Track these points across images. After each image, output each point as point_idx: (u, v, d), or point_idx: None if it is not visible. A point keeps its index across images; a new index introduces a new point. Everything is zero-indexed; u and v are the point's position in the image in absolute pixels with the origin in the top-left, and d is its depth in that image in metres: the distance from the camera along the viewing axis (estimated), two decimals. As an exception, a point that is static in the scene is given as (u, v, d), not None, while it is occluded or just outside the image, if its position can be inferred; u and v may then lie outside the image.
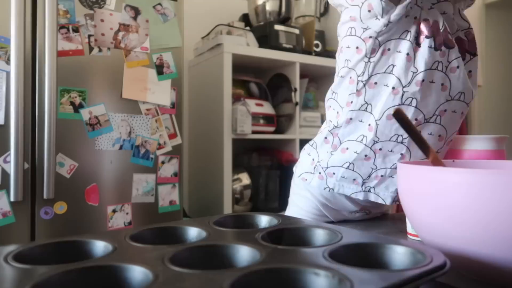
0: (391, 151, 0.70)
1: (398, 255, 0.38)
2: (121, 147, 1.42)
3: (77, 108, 1.34)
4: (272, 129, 2.11)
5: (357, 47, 0.71)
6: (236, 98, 1.99)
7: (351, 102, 0.72)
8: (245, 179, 2.06)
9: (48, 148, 1.26)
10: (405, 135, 0.68)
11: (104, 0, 1.39)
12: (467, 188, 0.38)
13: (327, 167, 0.74)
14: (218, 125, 1.97)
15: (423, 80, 0.66)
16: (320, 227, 0.47)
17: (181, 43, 1.56)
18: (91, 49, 1.36)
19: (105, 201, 1.39)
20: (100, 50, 1.38)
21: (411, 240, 0.59)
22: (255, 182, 2.06)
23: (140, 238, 0.44)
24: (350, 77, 0.72)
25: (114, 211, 1.41)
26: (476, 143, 0.71)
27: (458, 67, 0.68)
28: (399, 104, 0.68)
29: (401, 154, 0.70)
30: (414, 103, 0.67)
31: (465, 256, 0.40)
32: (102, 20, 1.38)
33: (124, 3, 1.43)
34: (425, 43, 0.66)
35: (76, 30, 1.34)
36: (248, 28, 2.15)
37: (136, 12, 1.46)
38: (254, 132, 2.01)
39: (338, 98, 0.75)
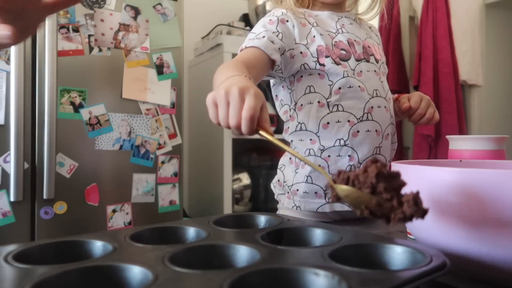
0: (339, 155, 0.77)
1: (398, 255, 0.38)
2: (121, 147, 1.42)
3: (77, 108, 1.34)
4: (272, 129, 2.11)
5: (282, 86, 0.83)
6: (236, 98, 1.99)
7: (288, 127, 0.83)
8: (245, 179, 2.06)
9: (48, 148, 1.26)
10: (346, 137, 0.76)
11: (104, 0, 1.39)
12: (466, 187, 0.38)
13: (292, 185, 0.80)
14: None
15: (339, 88, 0.76)
16: (320, 227, 0.47)
17: (181, 43, 1.57)
18: (91, 49, 1.36)
19: (105, 201, 1.39)
20: (100, 50, 1.38)
21: (410, 240, 0.59)
22: (255, 182, 2.06)
23: (140, 238, 0.44)
24: (285, 110, 0.84)
25: (114, 211, 1.41)
26: (476, 143, 0.71)
27: (361, 71, 0.79)
28: (328, 113, 0.77)
29: (349, 155, 0.77)
30: (340, 108, 0.77)
31: (463, 256, 0.40)
32: (102, 20, 1.38)
33: (124, 3, 1.43)
34: (327, 61, 0.77)
35: (76, 30, 1.34)
36: (248, 28, 2.15)
37: (136, 12, 1.46)
38: (254, 132, 2.01)
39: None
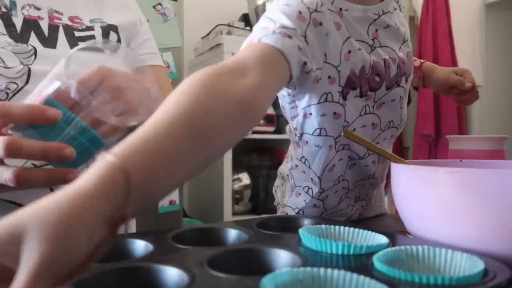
0: (336, 192, 0.69)
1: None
2: (121, 147, 1.42)
3: (77, 108, 1.34)
4: (272, 129, 2.11)
5: (282, 106, 0.68)
6: (236, 98, 1.99)
7: (295, 150, 0.69)
8: (245, 179, 2.06)
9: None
10: (343, 172, 0.67)
11: None
12: (466, 187, 0.38)
13: (285, 206, 0.73)
14: (218, 125, 1.97)
15: (354, 129, 0.62)
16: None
17: (181, 43, 1.57)
18: (91, 49, 1.36)
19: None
20: (100, 50, 1.38)
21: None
22: (255, 182, 2.06)
23: (182, 239, 0.44)
24: (293, 128, 0.67)
25: (114, 211, 1.41)
26: (476, 143, 0.71)
27: (384, 103, 0.64)
28: (336, 153, 0.64)
29: (343, 187, 0.69)
30: (347, 147, 0.65)
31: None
32: (102, 20, 1.38)
33: (124, 3, 1.42)
34: (351, 94, 0.60)
35: (76, 30, 1.34)
36: (248, 28, 2.15)
37: (136, 12, 1.46)
38: (254, 132, 2.01)
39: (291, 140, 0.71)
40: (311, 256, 0.38)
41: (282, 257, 0.38)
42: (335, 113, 0.60)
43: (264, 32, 0.50)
